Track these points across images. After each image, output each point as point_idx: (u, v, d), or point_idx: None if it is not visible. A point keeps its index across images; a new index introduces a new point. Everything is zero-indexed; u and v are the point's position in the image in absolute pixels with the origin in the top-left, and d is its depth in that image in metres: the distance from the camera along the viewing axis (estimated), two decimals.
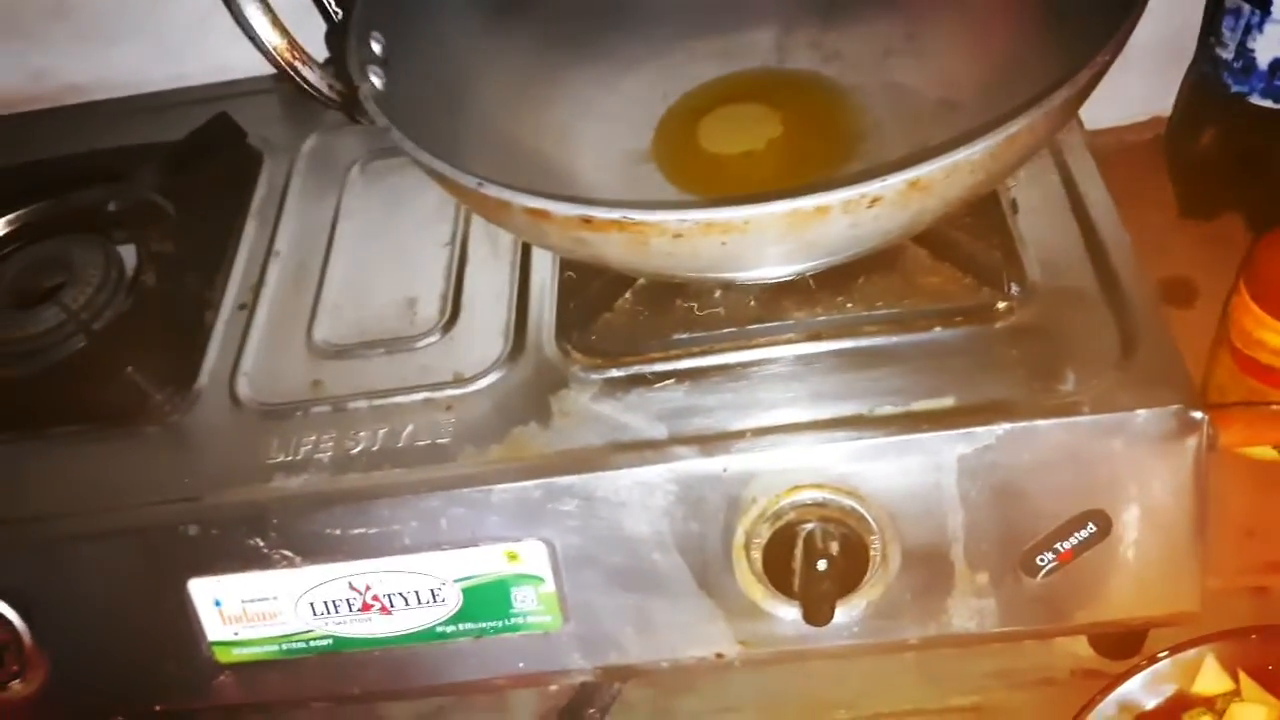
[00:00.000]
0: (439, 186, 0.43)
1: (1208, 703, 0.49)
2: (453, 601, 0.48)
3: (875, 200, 0.34)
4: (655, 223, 0.35)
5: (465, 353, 0.51)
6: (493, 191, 0.37)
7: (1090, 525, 0.45)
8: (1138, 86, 0.72)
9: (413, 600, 0.48)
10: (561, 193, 0.42)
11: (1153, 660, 0.49)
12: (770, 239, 0.36)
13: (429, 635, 0.48)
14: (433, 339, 0.51)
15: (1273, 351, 0.51)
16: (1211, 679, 0.49)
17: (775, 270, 0.42)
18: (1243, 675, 0.49)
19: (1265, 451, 0.56)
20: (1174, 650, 0.49)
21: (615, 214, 0.35)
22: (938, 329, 0.47)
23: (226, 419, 0.51)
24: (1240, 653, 0.49)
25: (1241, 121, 0.61)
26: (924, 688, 0.54)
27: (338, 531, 0.46)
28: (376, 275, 0.55)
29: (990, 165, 0.36)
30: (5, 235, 0.62)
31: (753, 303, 0.49)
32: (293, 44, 0.45)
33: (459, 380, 0.50)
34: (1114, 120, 0.73)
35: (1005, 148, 0.35)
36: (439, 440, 0.48)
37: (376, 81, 0.45)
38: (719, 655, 0.49)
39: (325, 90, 0.46)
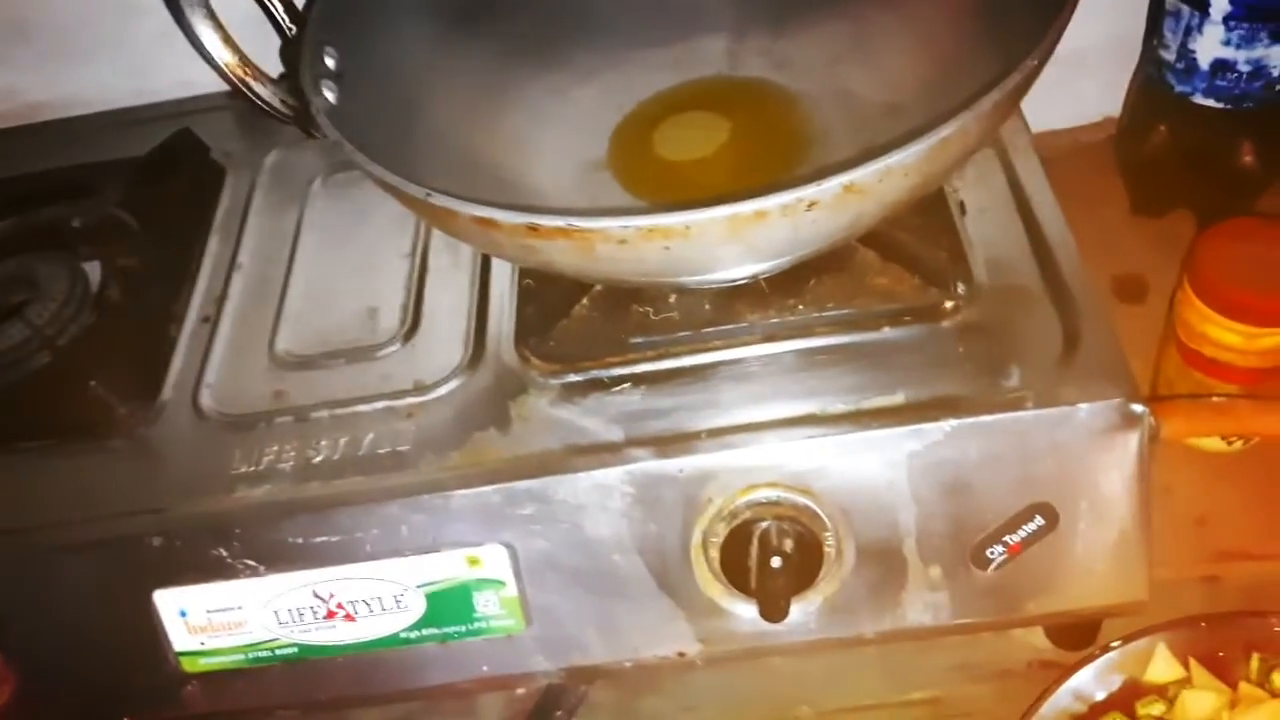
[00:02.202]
0: (393, 198, 0.43)
1: (1160, 690, 0.50)
2: (416, 607, 0.48)
3: (812, 204, 0.35)
4: (599, 229, 0.35)
5: (426, 361, 0.51)
6: (440, 201, 0.38)
7: (1038, 518, 0.46)
8: (1090, 88, 0.73)
9: (376, 607, 0.48)
10: (516, 202, 0.43)
11: (1105, 650, 0.50)
12: (713, 243, 0.37)
13: (394, 641, 0.49)
14: (393, 348, 0.52)
15: (1216, 345, 0.52)
16: (1163, 667, 0.50)
17: (724, 273, 0.43)
18: (1193, 663, 0.50)
19: (1214, 443, 0.58)
20: (1126, 640, 0.50)
21: (560, 221, 0.35)
22: (887, 328, 0.48)
23: (190, 431, 0.51)
24: (1191, 641, 0.50)
25: (1186, 121, 0.62)
26: (884, 682, 0.54)
27: (300, 540, 0.47)
28: (338, 286, 0.56)
29: (924, 168, 0.37)
30: None
31: (707, 306, 0.49)
32: (244, 60, 0.46)
33: (419, 388, 0.50)
34: (1067, 121, 0.74)
35: (938, 151, 0.36)
36: (399, 448, 0.48)
37: (330, 96, 0.45)
38: (680, 654, 0.49)
39: (278, 105, 0.46)
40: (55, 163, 0.66)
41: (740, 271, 0.44)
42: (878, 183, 0.36)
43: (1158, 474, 0.47)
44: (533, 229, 0.36)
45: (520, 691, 0.57)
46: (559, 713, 0.56)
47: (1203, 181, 0.65)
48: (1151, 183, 0.68)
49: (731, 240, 0.36)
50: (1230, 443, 0.57)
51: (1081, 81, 0.73)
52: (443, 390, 0.50)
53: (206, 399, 0.52)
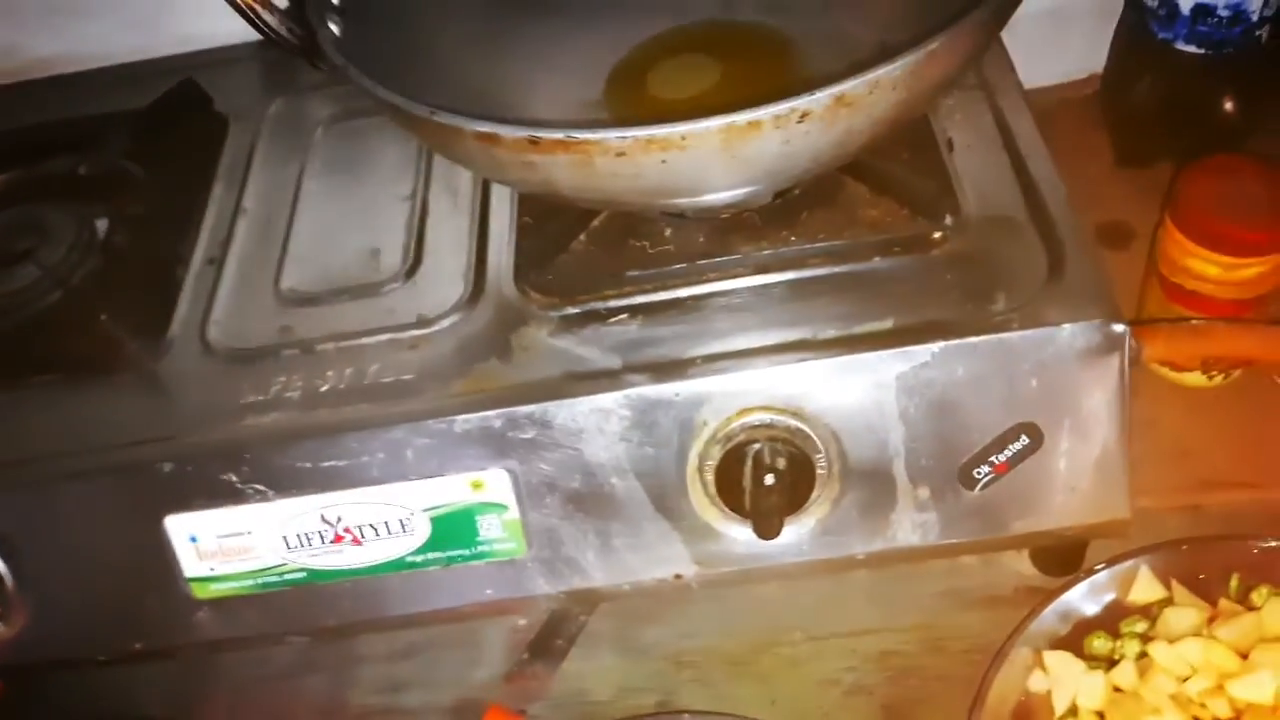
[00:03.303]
0: (395, 124, 0.45)
1: (1143, 610, 0.51)
2: (421, 531, 0.50)
3: (804, 115, 0.37)
4: (597, 140, 0.37)
5: (428, 297, 0.53)
6: (444, 119, 0.39)
7: (1023, 437, 0.47)
8: (1077, 44, 0.74)
9: (383, 530, 0.50)
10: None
11: (1090, 572, 0.52)
12: (708, 156, 0.38)
13: (400, 565, 0.50)
14: (396, 285, 0.53)
15: (1196, 277, 0.54)
16: (1146, 588, 0.52)
17: (719, 195, 0.44)
18: (1175, 583, 0.51)
19: (1196, 378, 0.59)
20: (1110, 562, 0.52)
21: (559, 134, 0.37)
22: (877, 259, 0.50)
23: (198, 364, 0.52)
24: (1173, 563, 0.52)
25: (1169, 68, 0.64)
26: (874, 609, 0.56)
27: (309, 465, 0.48)
28: (341, 229, 0.57)
29: (912, 83, 0.38)
30: None
31: (701, 239, 0.51)
32: None
33: (422, 322, 0.52)
34: (1054, 78, 0.76)
35: (925, 66, 0.37)
36: (404, 377, 0.50)
37: (335, 29, 0.47)
38: (677, 576, 0.51)
39: (284, 34, 0.47)
40: (60, 116, 0.67)
41: (734, 193, 0.45)
42: (867, 94, 0.37)
43: (1142, 408, 0.49)
44: (533, 142, 0.38)
45: (522, 622, 0.58)
46: (559, 641, 0.57)
47: (1186, 130, 0.66)
48: (1136, 134, 0.70)
49: (725, 153, 0.38)
50: (1211, 377, 0.59)
51: (1067, 37, 0.74)
52: (445, 323, 0.51)
53: (214, 334, 0.53)
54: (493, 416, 0.48)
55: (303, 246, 0.57)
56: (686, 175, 0.39)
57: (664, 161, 0.37)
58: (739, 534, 0.50)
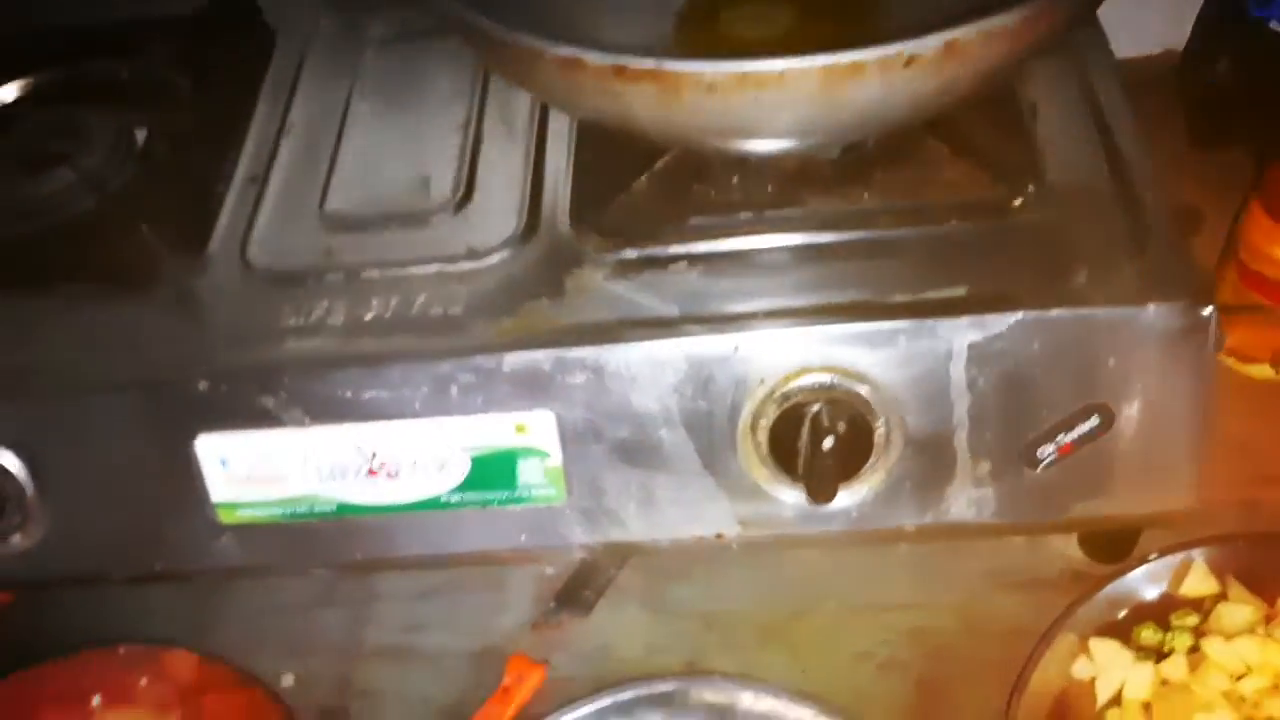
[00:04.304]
0: (463, 45, 0.42)
1: (1195, 604, 0.50)
2: (459, 471, 0.48)
3: (911, 60, 0.35)
4: (690, 73, 0.35)
5: (479, 229, 0.51)
6: (527, 41, 0.37)
7: (1094, 418, 0.45)
8: (1154, 20, 0.72)
9: (420, 467, 0.48)
10: None
11: (1143, 561, 0.50)
12: (803, 97, 0.36)
13: (434, 504, 0.49)
14: (446, 215, 0.51)
15: (1278, 264, 0.52)
16: (1199, 581, 0.50)
17: (804, 140, 0.42)
18: (1230, 578, 0.50)
19: (1263, 371, 0.57)
20: (1164, 551, 0.51)
21: (650, 63, 0.35)
22: (953, 222, 0.48)
23: (238, 283, 0.50)
24: (1229, 558, 0.50)
25: (1259, 48, 0.61)
26: (914, 584, 0.54)
27: (349, 394, 0.47)
28: (390, 153, 0.55)
29: (1024, 34, 0.36)
30: (15, 100, 0.61)
31: (770, 189, 0.49)
32: None
33: (472, 255, 0.50)
34: (1129, 52, 0.73)
35: (1042, 14, 0.35)
36: (451, 310, 0.48)
37: None
38: (719, 535, 0.49)
39: None
40: (103, 17, 0.65)
41: (819, 139, 0.43)
42: (980, 44, 0.35)
43: (1214, 390, 0.47)
44: (619, 71, 0.35)
45: (550, 571, 0.57)
46: (587, 592, 0.56)
47: (1268, 112, 0.64)
48: (1213, 115, 0.67)
49: (822, 95, 0.36)
50: (1279, 371, 0.57)
51: (1146, 10, 0.72)
52: (496, 258, 0.49)
53: (255, 253, 0.51)
54: (542, 358, 0.46)
55: (349, 169, 0.54)
56: (775, 115, 0.37)
57: (756, 99, 0.35)
58: (787, 496, 0.48)
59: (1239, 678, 0.46)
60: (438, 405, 0.47)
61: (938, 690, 0.52)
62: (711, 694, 0.51)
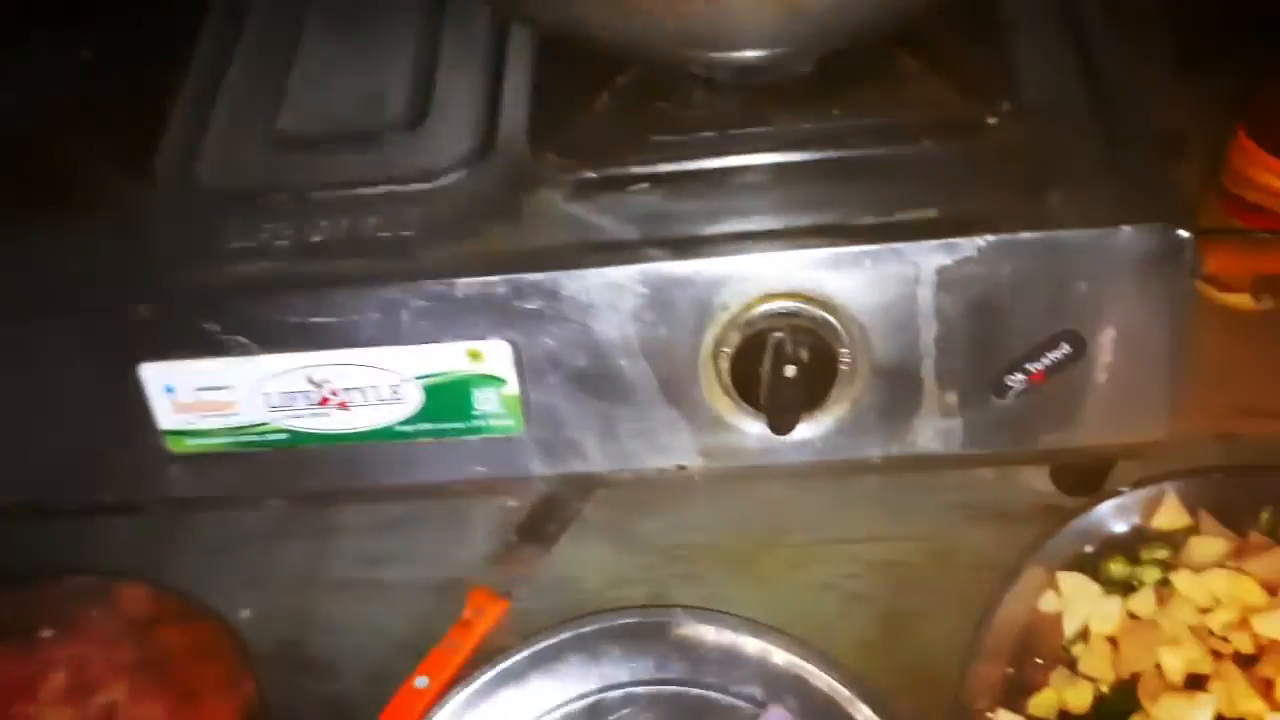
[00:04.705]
0: None
1: (1166, 537, 0.49)
2: (413, 400, 0.47)
3: None
4: None
5: (434, 150, 0.49)
6: None
7: (1064, 346, 0.44)
8: None
9: (372, 396, 0.47)
10: None
11: (1115, 493, 0.49)
12: None
13: (388, 434, 0.47)
14: (400, 134, 0.49)
15: (1263, 190, 0.50)
16: (1171, 515, 0.49)
17: (762, 50, 0.40)
18: (1202, 512, 0.49)
19: (1241, 300, 0.56)
20: (1137, 484, 0.50)
21: None
22: (925, 141, 0.46)
23: (183, 203, 0.48)
24: (1202, 491, 0.49)
25: None
26: (882, 517, 0.53)
27: (296, 319, 0.45)
28: (343, 71, 0.53)
29: None
30: None
31: (735, 107, 0.47)
32: None
33: (426, 176, 0.48)
34: None
35: None
36: (403, 233, 0.46)
37: None
38: (681, 467, 0.48)
39: None
40: None
41: (778, 49, 0.41)
42: None
43: (1190, 318, 0.46)
44: None
45: (512, 503, 0.56)
46: (551, 525, 0.55)
47: (1252, 38, 0.61)
48: (1200, 38, 0.65)
49: None
50: (1259, 300, 0.55)
51: None
52: (450, 179, 0.47)
53: (202, 172, 0.49)
54: (497, 282, 0.44)
55: (301, 87, 0.52)
56: (731, 17, 0.35)
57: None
58: (750, 427, 0.47)
59: (1207, 612, 0.45)
60: (389, 332, 0.45)
61: (903, 622, 0.51)
62: (674, 628, 0.50)
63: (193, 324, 0.45)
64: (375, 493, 0.51)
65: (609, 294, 0.44)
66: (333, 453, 0.48)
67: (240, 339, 0.45)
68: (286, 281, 0.45)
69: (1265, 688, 0.42)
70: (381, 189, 0.47)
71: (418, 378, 0.46)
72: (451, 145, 0.49)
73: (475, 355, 0.46)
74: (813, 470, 0.48)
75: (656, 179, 0.46)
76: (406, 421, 0.47)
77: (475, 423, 0.47)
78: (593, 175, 0.47)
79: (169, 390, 0.47)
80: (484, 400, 0.47)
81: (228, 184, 0.49)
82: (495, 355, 0.46)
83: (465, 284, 0.44)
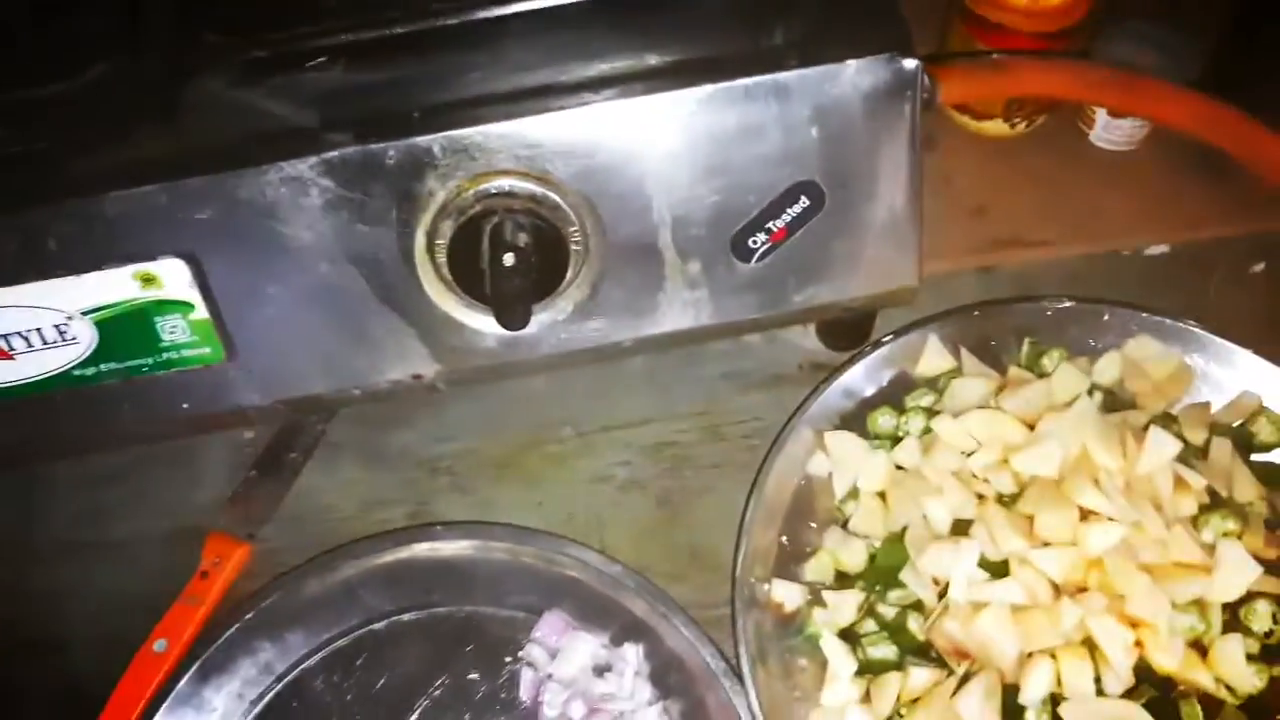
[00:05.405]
0: None
1: (931, 383, 0.47)
2: (86, 338, 0.40)
3: None
4: None
5: (67, 41, 0.41)
6: None
7: (803, 198, 0.41)
8: None
9: (36, 340, 0.40)
10: None
11: (876, 345, 0.47)
12: None
13: (66, 379, 0.41)
14: (24, 23, 0.41)
15: (1000, 6, 0.47)
16: (934, 359, 0.48)
17: None
18: (964, 352, 0.47)
19: (997, 127, 0.54)
20: (897, 334, 0.48)
21: None
22: None
23: None
24: (963, 331, 0.48)
25: None
26: (652, 397, 0.51)
27: None
28: None
29: None
30: None
31: None
32: None
33: (61, 75, 0.40)
34: None
35: None
36: (37, 145, 0.39)
37: None
38: (416, 377, 0.43)
39: None
40: None
41: None
42: None
43: (937, 161, 0.44)
44: None
45: (249, 435, 0.50)
46: (293, 455, 0.50)
47: None
48: None
49: None
50: (1014, 125, 0.53)
51: None
52: (91, 74, 0.40)
53: None
54: (157, 192, 0.38)
55: None
56: None
57: None
58: (485, 325, 0.42)
59: (970, 454, 0.44)
60: (38, 263, 0.38)
61: (680, 505, 0.48)
62: (436, 551, 0.46)
63: None
64: (75, 447, 0.45)
65: (290, 191, 0.38)
66: (13, 407, 0.42)
67: None
68: None
69: (1027, 526, 0.41)
70: (10, 94, 0.40)
71: (84, 312, 0.39)
72: (89, 29, 0.41)
73: (148, 278, 0.39)
74: (562, 362, 0.44)
75: (337, 50, 0.40)
76: (84, 364, 0.41)
77: (167, 355, 0.41)
78: (261, 54, 0.40)
79: None
80: (171, 329, 0.40)
81: None
82: (172, 276, 0.39)
83: (118, 198, 0.38)
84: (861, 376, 0.47)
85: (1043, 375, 0.45)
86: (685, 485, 0.49)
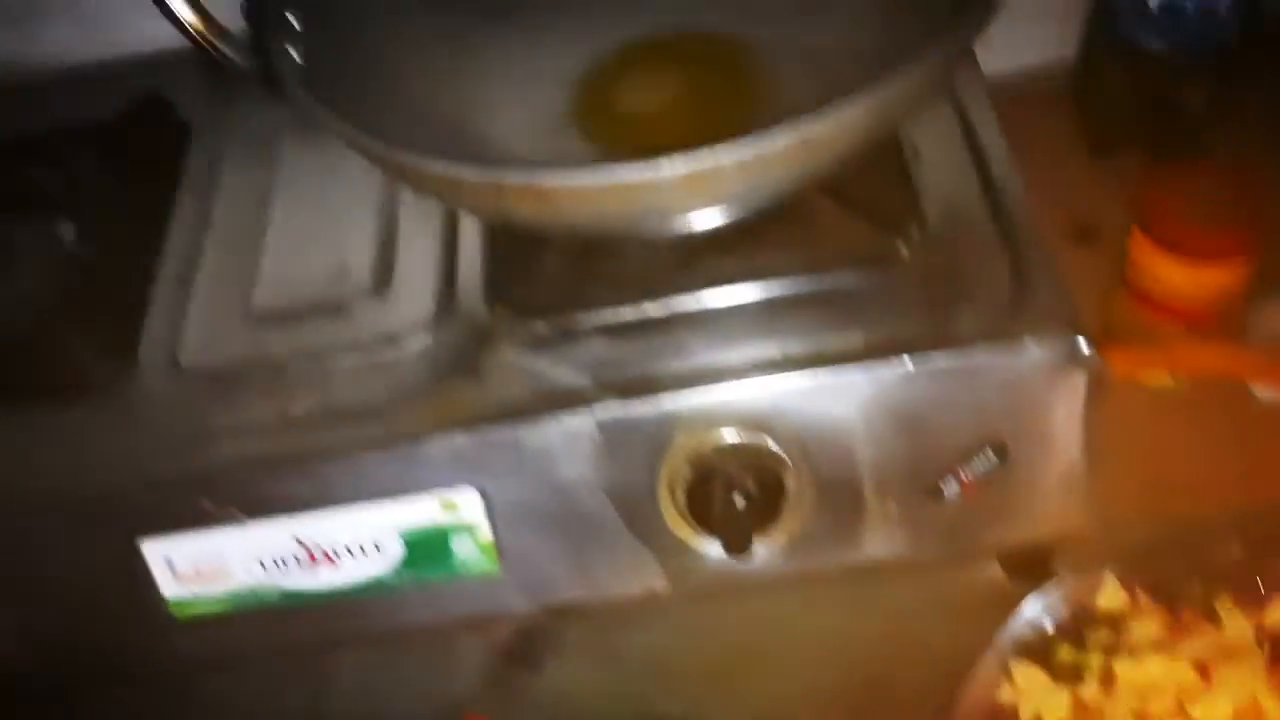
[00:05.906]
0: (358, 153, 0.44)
1: (1109, 618, 0.52)
2: (395, 552, 0.50)
3: (764, 155, 0.37)
4: (561, 186, 0.36)
5: (397, 314, 0.52)
6: (405, 158, 0.39)
7: (990, 453, 0.48)
8: (1043, 30, 0.74)
9: (356, 552, 0.50)
10: (481, 154, 0.44)
11: (1058, 580, 0.53)
12: (671, 194, 0.38)
13: (375, 586, 0.51)
14: (365, 301, 0.53)
15: (1162, 283, 0.54)
16: (1111, 596, 0.52)
17: (685, 223, 0.44)
18: (1139, 592, 0.52)
19: (1162, 379, 0.60)
20: (1077, 568, 0.53)
21: (522, 178, 0.37)
22: (845, 274, 0.50)
23: (169, 386, 0.52)
24: (1137, 571, 0.53)
25: (1138, 65, 0.64)
26: (847, 619, 0.56)
27: (280, 489, 0.48)
28: (310, 242, 0.56)
29: (872, 119, 0.38)
30: None
31: (669, 257, 0.51)
32: (207, 17, 0.46)
33: (391, 340, 0.51)
34: (1022, 62, 0.75)
35: (888, 101, 0.37)
36: (373, 397, 0.50)
37: (294, 54, 0.46)
38: (650, 590, 0.52)
39: (242, 63, 0.47)
40: (19, 126, 0.66)
41: (701, 219, 0.45)
42: (828, 132, 0.37)
43: (1107, 410, 0.49)
44: (498, 186, 0.37)
45: (497, 631, 0.59)
46: (536, 650, 0.58)
47: (1155, 123, 0.66)
48: (1106, 124, 0.69)
49: (688, 190, 0.38)
50: (1176, 380, 0.59)
51: (1034, 24, 0.74)
52: (414, 342, 0.51)
53: (184, 354, 0.53)
54: (462, 438, 0.48)
55: (271, 261, 0.56)
56: (649, 212, 0.39)
57: (626, 200, 0.37)
58: (710, 549, 0.50)
59: (1147, 696, 0.48)
60: (366, 490, 0.49)
61: None
62: None
63: (186, 502, 0.48)
64: (366, 639, 0.54)
65: (567, 441, 0.48)
66: (325, 605, 0.52)
67: (231, 511, 0.49)
68: (269, 456, 0.48)
69: None
70: (352, 356, 0.51)
71: (397, 531, 0.49)
72: (413, 309, 0.52)
73: (449, 505, 0.49)
74: (774, 583, 0.52)
75: (603, 328, 0.50)
76: (391, 573, 0.50)
77: (455, 569, 0.51)
78: (545, 329, 0.51)
79: (169, 563, 0.50)
80: (461, 546, 0.50)
81: (208, 362, 0.52)
82: (467, 505, 0.49)
83: (434, 443, 0.48)
84: (1040, 611, 0.52)
85: (1213, 618, 0.50)
86: (878, 704, 0.53)
